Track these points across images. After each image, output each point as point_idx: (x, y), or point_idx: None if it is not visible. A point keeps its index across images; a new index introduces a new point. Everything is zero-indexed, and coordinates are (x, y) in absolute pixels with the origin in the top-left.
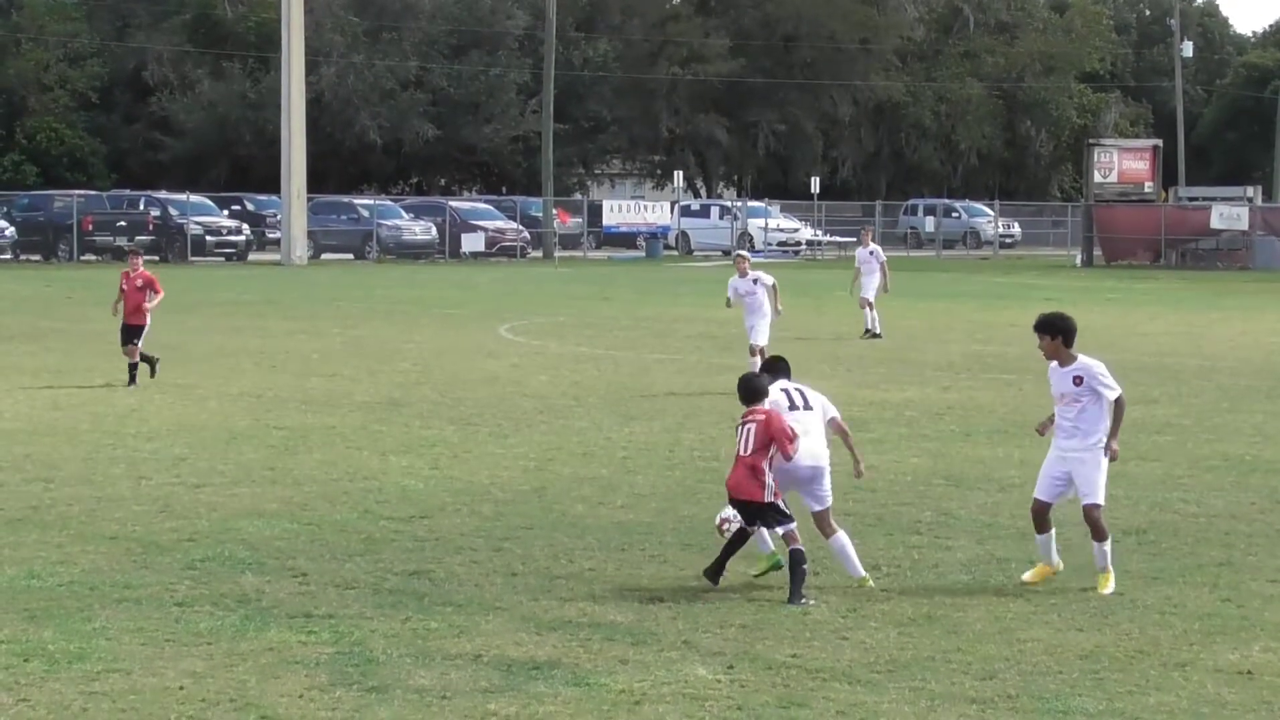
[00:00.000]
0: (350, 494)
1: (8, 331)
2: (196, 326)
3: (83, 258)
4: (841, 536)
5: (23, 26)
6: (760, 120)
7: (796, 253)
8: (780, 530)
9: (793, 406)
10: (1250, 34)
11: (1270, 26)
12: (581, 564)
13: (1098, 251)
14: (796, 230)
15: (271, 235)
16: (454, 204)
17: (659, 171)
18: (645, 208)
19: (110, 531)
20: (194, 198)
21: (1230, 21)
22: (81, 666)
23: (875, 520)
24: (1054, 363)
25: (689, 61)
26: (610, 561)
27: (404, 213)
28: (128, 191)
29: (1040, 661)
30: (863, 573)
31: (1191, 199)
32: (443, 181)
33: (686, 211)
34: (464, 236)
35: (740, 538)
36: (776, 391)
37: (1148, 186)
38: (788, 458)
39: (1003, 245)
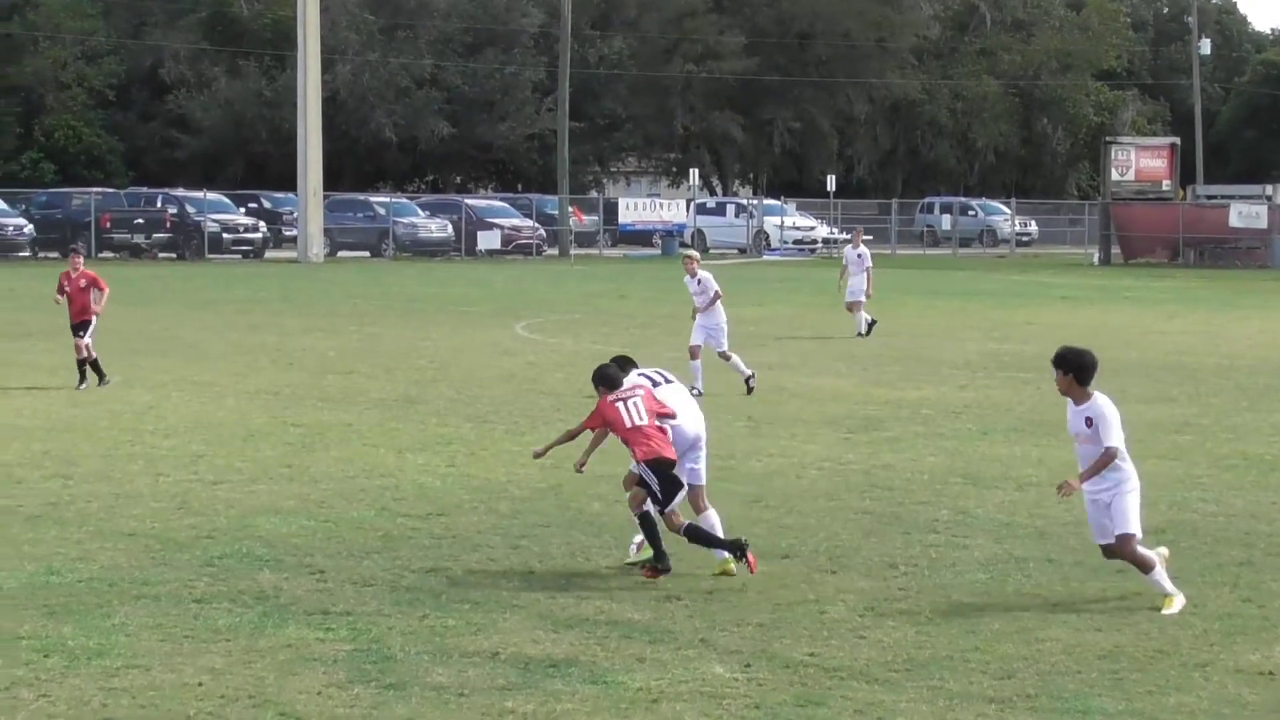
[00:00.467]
0: (367, 491)
1: (26, 329)
2: (213, 324)
3: (100, 255)
4: (712, 514)
5: (39, 25)
6: (776, 118)
7: (812, 251)
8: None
9: (656, 384)
10: (1269, 31)
11: None
12: (598, 562)
13: (1115, 250)
14: (812, 228)
15: (288, 233)
16: (470, 202)
17: (674, 169)
18: (661, 205)
19: (129, 528)
20: (211, 195)
21: (1248, 19)
22: (101, 662)
23: (892, 519)
24: (1069, 400)
25: (704, 59)
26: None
27: (420, 210)
28: (145, 189)
29: (1059, 661)
30: (726, 555)
31: (1209, 197)
32: (458, 179)
33: (702, 209)
34: (480, 234)
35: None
36: (636, 377)
37: (1165, 184)
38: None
39: (1019, 243)
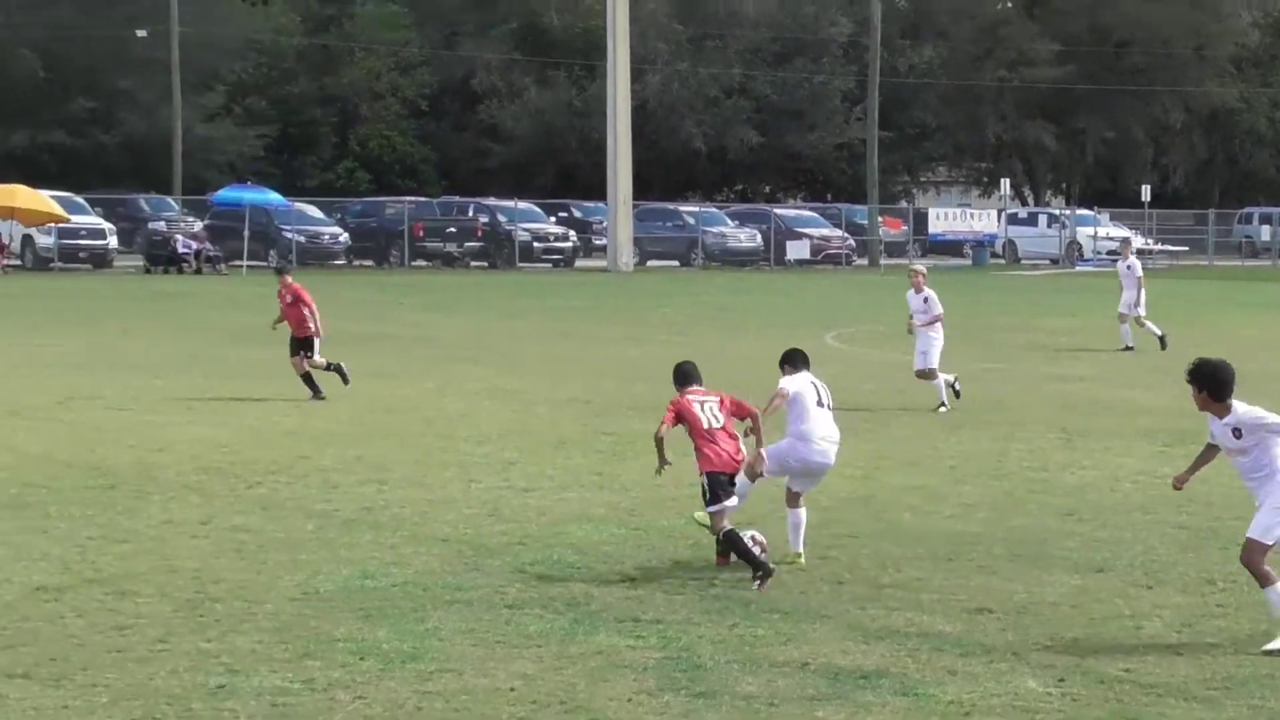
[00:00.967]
0: (677, 500)
1: (343, 336)
2: (525, 333)
3: (413, 263)
4: (802, 512)
5: (355, 36)
6: (1088, 127)
7: None
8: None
9: (819, 404)
10: None
11: None
12: (908, 573)
13: None
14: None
15: (598, 242)
16: (779, 211)
17: (985, 179)
18: (971, 215)
19: (442, 534)
20: (521, 204)
21: None
22: (415, 666)
23: (1209, 533)
24: (1211, 415)
25: (1016, 66)
26: (938, 571)
27: (728, 220)
28: (457, 198)
29: None
30: (800, 549)
31: None
32: (767, 188)
33: (1013, 219)
34: (789, 244)
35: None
36: (804, 383)
37: None
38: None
39: None
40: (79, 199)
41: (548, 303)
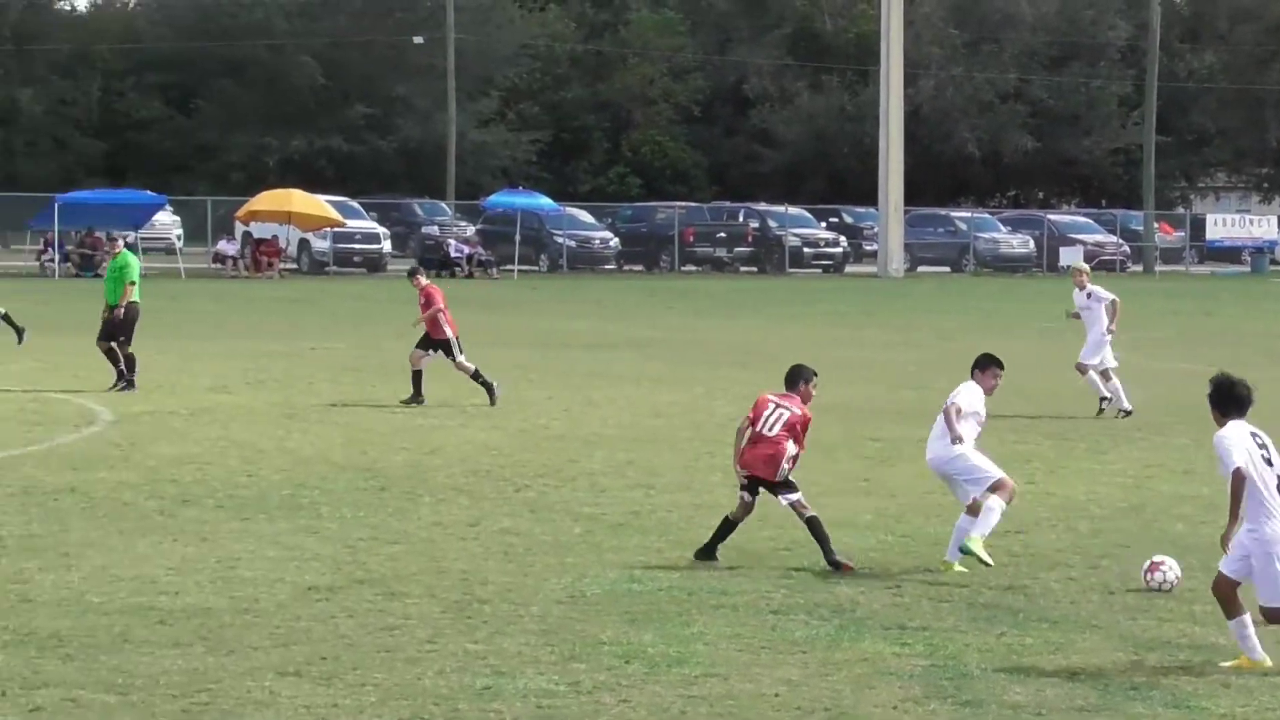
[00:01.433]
0: (943, 507)
1: (612, 339)
2: (794, 338)
3: (683, 268)
4: (991, 500)
5: (629, 42)
6: None
7: None
8: (785, 501)
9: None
10: None
11: None
12: (1181, 584)
13: None
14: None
15: (868, 247)
16: (1052, 217)
17: (1266, 185)
18: (1251, 221)
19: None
20: (792, 210)
21: None
22: (680, 670)
23: None
24: None
25: None
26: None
27: (1000, 226)
28: (727, 204)
29: None
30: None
31: None
32: (1040, 194)
33: None
34: (1062, 250)
35: (729, 527)
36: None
37: None
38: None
39: None
40: (354, 203)
41: (817, 308)
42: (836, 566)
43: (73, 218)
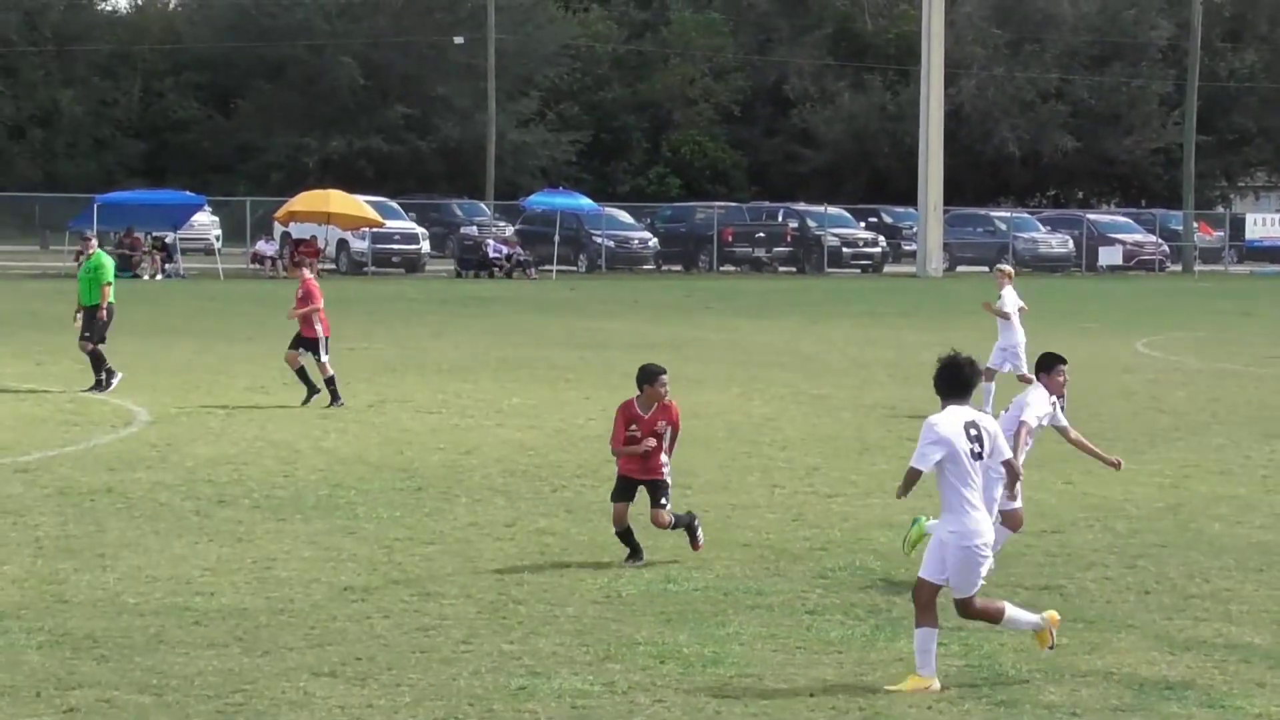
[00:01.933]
0: None
1: (650, 340)
2: (832, 338)
3: (722, 268)
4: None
5: (670, 42)
6: None
7: None
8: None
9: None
10: None
11: None
12: (1217, 584)
13: None
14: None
15: (907, 247)
16: (1091, 217)
17: None
18: None
19: (744, 539)
20: (831, 210)
21: None
22: (715, 670)
23: None
24: None
25: None
26: (1248, 582)
27: (1040, 225)
28: (766, 204)
29: None
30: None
31: None
32: (1080, 194)
33: None
34: (1101, 250)
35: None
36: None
37: None
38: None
39: None
40: (393, 204)
41: (856, 308)
42: (636, 557)
43: (112, 218)
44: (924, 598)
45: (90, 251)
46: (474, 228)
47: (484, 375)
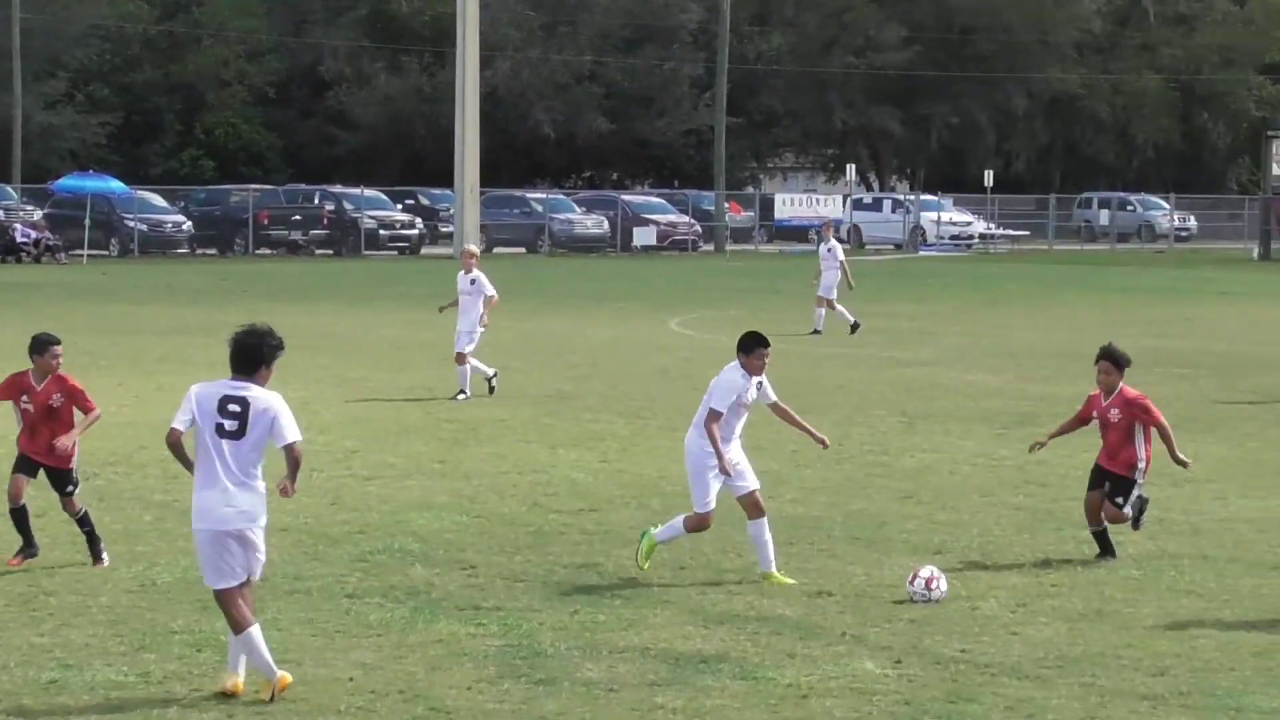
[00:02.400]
0: (519, 487)
1: (184, 324)
2: (369, 320)
3: (258, 252)
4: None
5: (203, 23)
6: (934, 113)
7: (969, 246)
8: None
9: None
10: None
11: None
12: (750, 558)
13: (1276, 244)
14: (969, 224)
15: (444, 229)
16: (626, 198)
17: (831, 165)
18: (817, 201)
19: (282, 523)
20: (368, 192)
21: None
22: None
23: (1045, 515)
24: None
25: (864, 52)
26: (779, 555)
27: (576, 206)
28: (303, 186)
29: (1213, 658)
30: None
31: None
32: (615, 175)
33: (859, 205)
34: (636, 230)
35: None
36: None
37: None
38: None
39: (1178, 239)
40: None
41: (393, 290)
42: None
43: None
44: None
45: None
46: (0, 212)
47: (8, 363)
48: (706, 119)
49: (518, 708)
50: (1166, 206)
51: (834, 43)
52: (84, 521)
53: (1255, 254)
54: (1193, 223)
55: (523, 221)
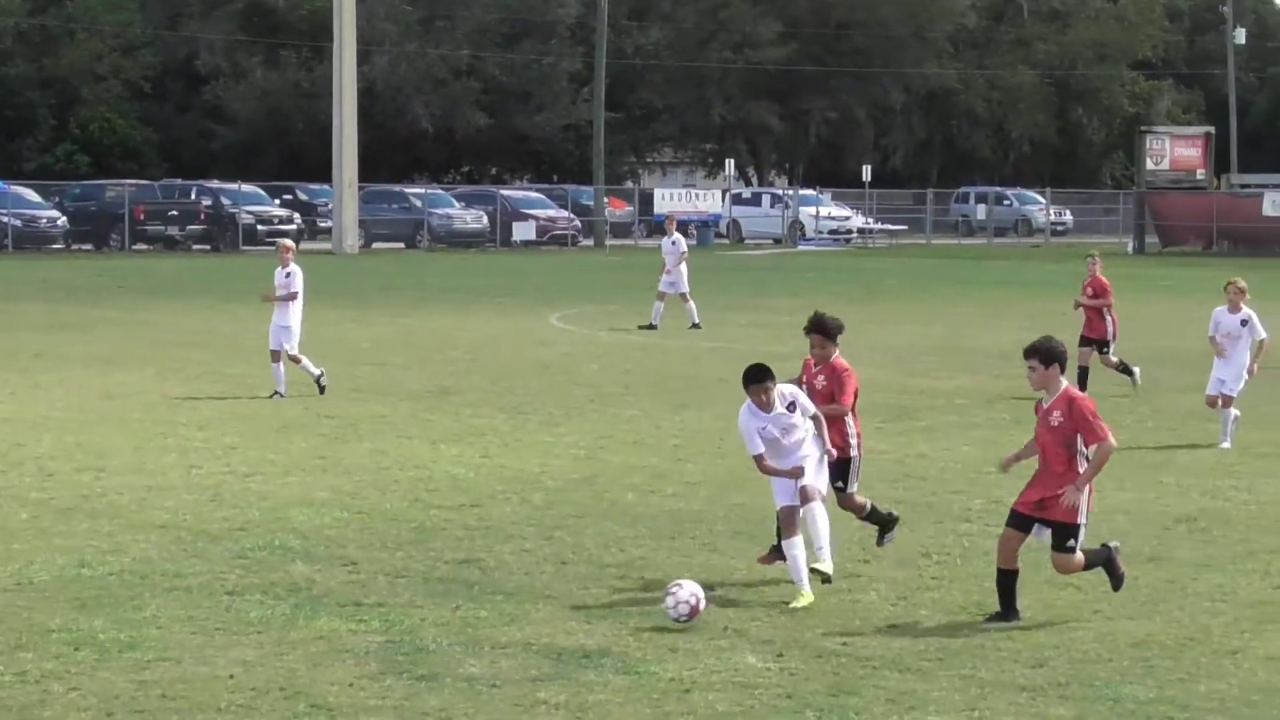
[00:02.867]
0: (400, 483)
1: (60, 321)
2: (247, 316)
3: (134, 247)
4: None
5: (76, 17)
6: (812, 108)
7: (848, 241)
8: None
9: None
10: None
11: None
12: (632, 552)
13: (1150, 239)
14: (848, 218)
15: (323, 224)
16: (505, 192)
17: (710, 160)
18: (696, 196)
19: (161, 520)
20: (245, 187)
21: None
22: (132, 655)
23: (925, 508)
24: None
25: (741, 48)
26: (661, 550)
27: (455, 201)
28: (179, 181)
29: (1090, 649)
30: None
31: (1244, 186)
32: (494, 170)
33: (738, 200)
34: (515, 225)
35: None
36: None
37: (1200, 174)
38: None
39: (1054, 233)
40: None
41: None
42: None
43: None
44: None
45: None
46: None
47: None
48: (585, 114)
49: (399, 704)
50: (1042, 201)
51: (711, 38)
52: None
53: (1130, 248)
54: (1069, 217)
55: (401, 217)
